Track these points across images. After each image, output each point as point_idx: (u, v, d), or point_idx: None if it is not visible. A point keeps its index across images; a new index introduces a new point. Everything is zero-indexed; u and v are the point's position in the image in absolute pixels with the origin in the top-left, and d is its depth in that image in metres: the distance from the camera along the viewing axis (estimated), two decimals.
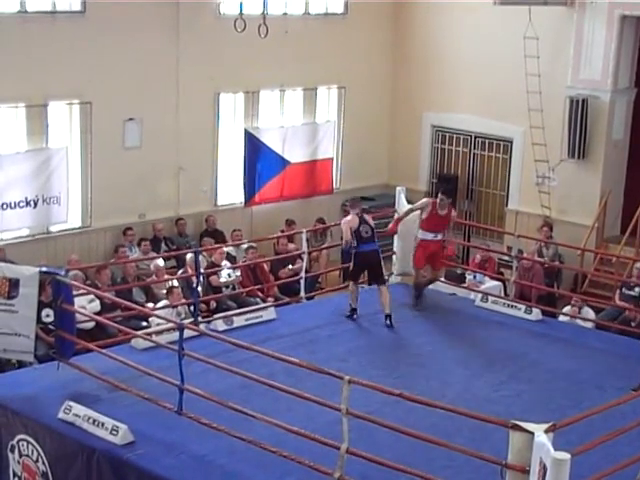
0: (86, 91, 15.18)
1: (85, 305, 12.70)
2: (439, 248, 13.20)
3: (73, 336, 10.48)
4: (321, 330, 12.42)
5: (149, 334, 11.44)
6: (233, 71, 16.90)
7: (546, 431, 6.91)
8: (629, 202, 17.21)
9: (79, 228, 15.65)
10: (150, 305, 13.68)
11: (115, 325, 11.42)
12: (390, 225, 13.58)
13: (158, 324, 11.99)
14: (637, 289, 14.72)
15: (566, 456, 6.54)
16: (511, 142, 18.34)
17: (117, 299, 11.81)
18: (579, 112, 16.67)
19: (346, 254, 13.42)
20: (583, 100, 16.65)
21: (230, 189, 17.59)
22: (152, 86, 15.91)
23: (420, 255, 13.19)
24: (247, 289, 14.68)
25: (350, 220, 12.62)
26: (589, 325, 13.70)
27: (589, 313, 14.01)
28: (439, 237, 13.07)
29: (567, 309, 14.06)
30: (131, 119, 15.79)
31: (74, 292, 10.71)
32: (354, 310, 12.81)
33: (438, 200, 12.99)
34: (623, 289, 14.83)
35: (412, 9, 19.24)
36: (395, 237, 14.48)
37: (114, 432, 8.94)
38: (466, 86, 18.57)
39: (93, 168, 15.53)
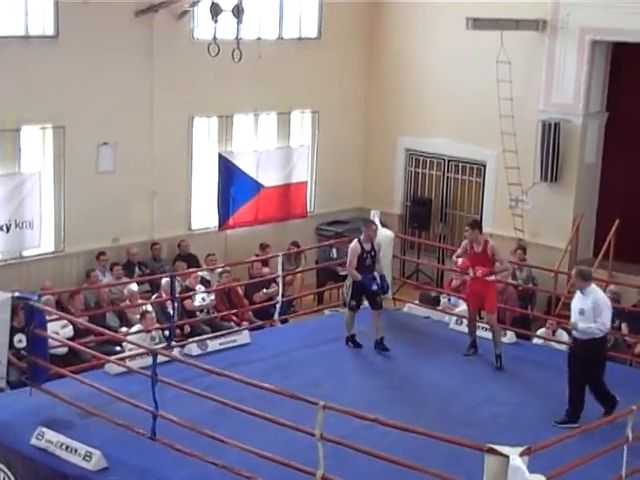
0: (59, 115, 15.13)
1: (58, 330, 12.60)
2: (483, 287, 12.26)
3: (46, 361, 10.43)
4: (295, 354, 12.41)
5: (122, 359, 11.39)
6: (207, 95, 16.90)
7: (521, 454, 6.93)
8: (601, 225, 17.31)
9: (52, 253, 15.55)
10: (124, 330, 13.61)
11: (88, 350, 11.36)
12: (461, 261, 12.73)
13: (131, 349, 11.92)
14: None
15: (541, 479, 6.55)
16: (484, 166, 18.43)
17: (90, 324, 11.74)
18: (551, 136, 16.78)
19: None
20: (555, 124, 16.76)
21: (204, 213, 17.56)
22: (126, 110, 15.89)
23: (467, 296, 12.90)
24: (221, 313, 14.64)
25: (353, 248, 12.44)
26: (563, 347, 13.72)
27: (563, 335, 14.04)
28: (479, 275, 12.21)
29: (541, 331, 14.09)
30: (105, 143, 15.75)
31: (47, 317, 10.65)
32: (353, 336, 12.75)
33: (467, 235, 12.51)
34: None
35: (386, 34, 19.35)
36: None
37: (87, 458, 8.88)
38: (440, 110, 18.66)
39: (66, 192, 15.46)
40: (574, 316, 10.36)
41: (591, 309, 10.19)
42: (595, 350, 10.28)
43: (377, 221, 14.36)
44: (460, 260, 12.51)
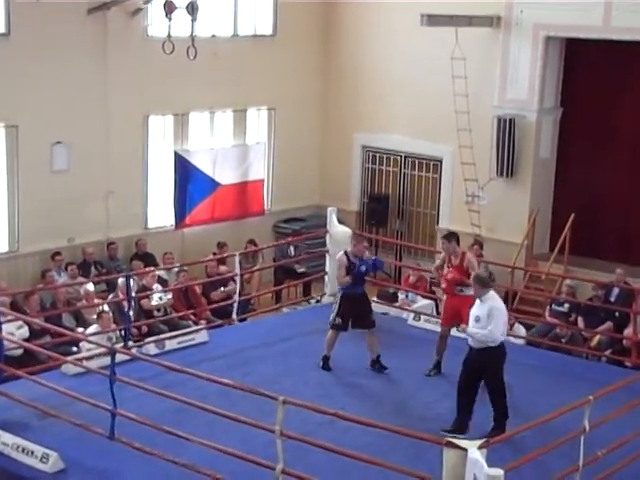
0: (12, 114, 14.96)
1: (13, 331, 12.46)
2: (461, 302, 11.28)
3: (1, 363, 10.30)
4: (254, 352, 12.37)
5: (80, 359, 11.29)
6: (162, 93, 16.80)
7: (479, 447, 6.95)
8: (557, 220, 17.46)
9: (6, 253, 15.39)
10: (80, 330, 13.49)
11: (45, 351, 11.23)
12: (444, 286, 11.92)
13: (89, 349, 11.83)
14: (566, 305, 14.92)
15: (499, 472, 6.59)
16: (441, 161, 18.50)
17: (46, 325, 11.63)
18: (507, 131, 16.89)
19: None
20: (510, 119, 16.87)
21: (161, 212, 17.46)
22: (80, 109, 15.75)
23: (443, 312, 12.12)
24: (179, 313, 14.56)
25: (339, 258, 11.90)
26: (520, 342, 13.82)
27: (520, 330, 14.14)
28: (449, 278, 11.57)
29: None
30: (59, 142, 15.61)
31: (2, 318, 10.53)
32: (327, 358, 11.89)
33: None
34: (553, 305, 15.02)
35: (341, 30, 19.37)
36: (327, 257, 14.51)
37: (44, 460, 8.80)
38: (396, 106, 18.71)
39: (20, 192, 15.30)
40: (470, 323, 9.92)
41: (486, 317, 9.76)
42: (488, 360, 9.83)
43: (334, 218, 14.38)
44: (445, 271, 11.72)
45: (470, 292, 10.65)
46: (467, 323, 10.08)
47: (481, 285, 9.94)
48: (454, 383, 11.32)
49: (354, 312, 11.72)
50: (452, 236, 11.87)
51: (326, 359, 11.86)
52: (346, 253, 11.83)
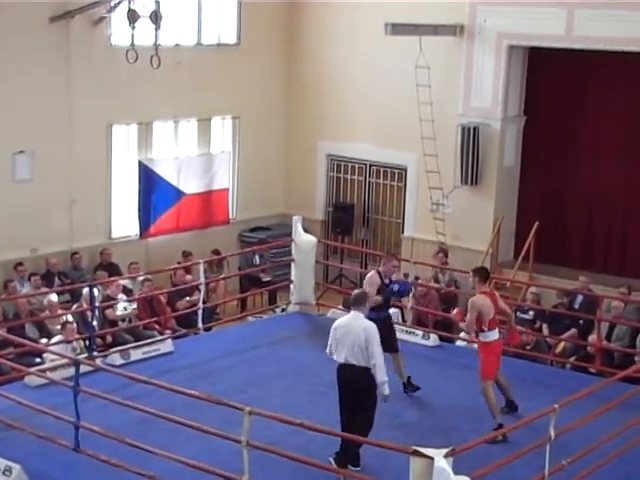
0: None
1: None
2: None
3: None
4: (220, 361, 12.33)
5: (43, 371, 11.18)
6: (126, 102, 16.71)
7: (446, 456, 6.96)
8: (521, 227, 17.53)
9: None
10: (44, 341, 13.37)
11: (7, 362, 11.11)
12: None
13: (53, 360, 11.73)
14: (531, 312, 14.98)
15: None
16: (405, 170, 18.54)
17: (9, 336, 11.51)
18: (471, 140, 16.95)
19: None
20: (474, 128, 16.93)
21: (125, 221, 17.36)
22: (43, 118, 15.63)
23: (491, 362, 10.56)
24: (144, 322, 14.48)
25: (371, 277, 11.12)
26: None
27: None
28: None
29: (464, 334, 14.20)
30: (21, 152, 15.47)
31: None
32: (407, 379, 11.38)
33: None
34: (518, 313, 15.07)
35: (305, 39, 19.37)
36: (292, 265, 14.50)
37: (7, 473, 8.72)
38: (360, 115, 18.73)
39: None
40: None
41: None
42: (360, 379, 9.31)
43: (299, 227, 14.37)
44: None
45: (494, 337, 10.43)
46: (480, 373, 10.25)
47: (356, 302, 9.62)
48: (421, 391, 11.38)
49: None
50: (476, 272, 10.97)
51: (408, 380, 11.39)
52: (379, 272, 11.16)
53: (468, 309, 10.47)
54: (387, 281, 11.07)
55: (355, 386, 9.24)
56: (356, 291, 9.95)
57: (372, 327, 9.35)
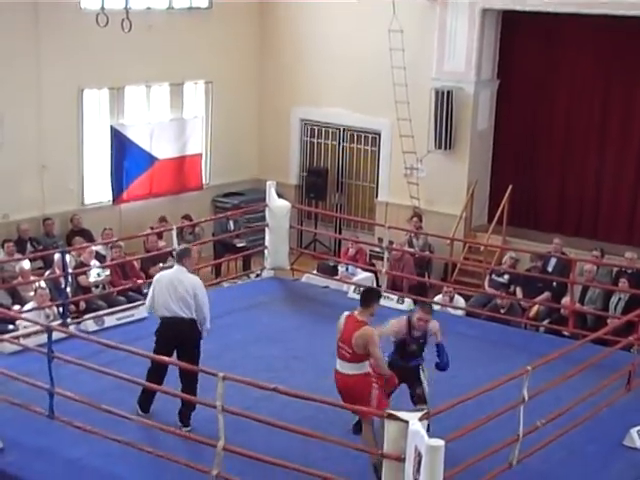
0: None
1: None
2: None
3: None
4: None
5: (16, 337, 11.13)
6: (97, 67, 16.54)
7: (420, 419, 6.98)
8: (495, 191, 17.57)
9: None
10: (17, 308, 13.30)
11: None
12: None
13: (25, 327, 11.66)
14: (506, 276, 15.04)
15: (440, 443, 6.62)
16: (379, 134, 18.50)
17: None
18: (444, 103, 16.92)
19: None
20: (448, 92, 16.90)
21: (97, 187, 17.24)
22: (11, 82, 15.42)
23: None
24: (117, 288, 14.41)
25: (395, 326, 9.35)
26: (460, 313, 13.93)
27: (459, 301, 14.24)
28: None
29: (438, 298, 14.26)
30: None
31: None
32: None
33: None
34: (493, 276, 15.14)
35: (277, 3, 19.19)
36: (266, 230, 14.47)
37: None
38: (334, 79, 18.65)
39: None
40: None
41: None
42: (186, 330, 9.43)
43: (273, 192, 14.31)
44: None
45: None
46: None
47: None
48: None
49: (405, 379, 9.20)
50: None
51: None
52: (409, 321, 9.28)
53: (373, 343, 8.52)
54: (415, 334, 9.24)
55: (181, 338, 9.39)
56: (181, 246, 10.43)
57: (198, 280, 9.66)
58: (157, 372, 9.33)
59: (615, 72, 16.47)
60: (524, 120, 17.43)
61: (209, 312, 9.58)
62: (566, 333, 13.05)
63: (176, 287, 9.44)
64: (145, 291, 14.79)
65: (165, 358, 9.11)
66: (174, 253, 10.43)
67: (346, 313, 8.75)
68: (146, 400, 9.44)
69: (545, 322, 13.90)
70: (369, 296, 8.80)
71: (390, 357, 9.21)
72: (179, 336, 9.38)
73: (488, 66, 17.23)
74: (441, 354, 9.22)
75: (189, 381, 9.17)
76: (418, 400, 9.13)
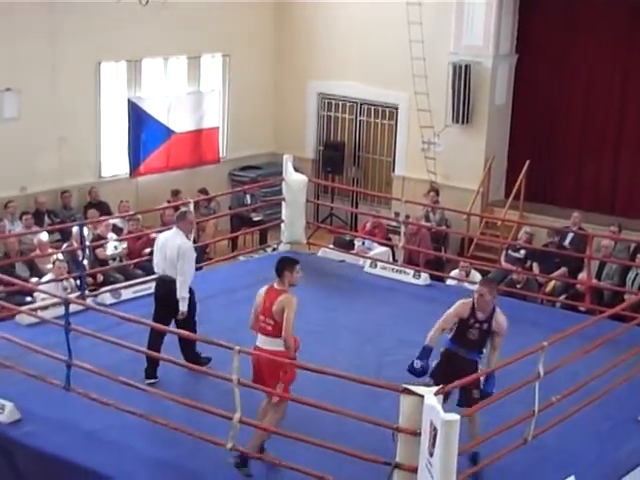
0: None
1: None
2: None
3: None
4: (210, 300, 12.26)
5: (34, 310, 11.18)
6: (114, 40, 16.52)
7: (436, 394, 6.99)
8: (512, 166, 17.51)
9: None
10: (34, 280, 13.36)
11: None
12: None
13: (43, 299, 11.72)
14: (523, 251, 15.01)
15: (455, 417, 6.63)
16: (396, 108, 18.44)
17: None
18: (462, 78, 16.84)
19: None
20: (466, 66, 16.82)
21: (115, 160, 17.27)
22: (29, 55, 15.44)
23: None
24: (134, 261, 14.45)
25: (459, 307, 8.68)
26: (476, 288, 13.88)
27: (476, 276, 14.21)
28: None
29: (455, 273, 14.25)
30: (8, 89, 15.33)
31: None
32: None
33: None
34: (509, 251, 15.11)
35: None
36: (283, 204, 14.46)
37: (0, 410, 8.74)
38: (351, 53, 18.57)
39: None
40: None
41: None
42: (173, 291, 9.78)
43: (290, 166, 14.29)
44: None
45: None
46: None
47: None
48: (410, 330, 11.39)
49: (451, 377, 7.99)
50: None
51: None
52: (473, 304, 8.59)
53: (290, 307, 8.28)
54: (480, 316, 8.52)
55: (167, 297, 9.77)
56: (180, 210, 10.67)
57: (187, 245, 9.96)
58: (158, 333, 9.58)
59: (635, 48, 16.35)
60: (542, 95, 17.33)
61: (189, 280, 9.87)
62: (582, 309, 13.02)
63: (168, 248, 9.92)
64: None
65: (160, 326, 9.37)
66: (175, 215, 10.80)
67: (265, 287, 8.49)
68: (151, 366, 9.61)
69: (561, 297, 13.87)
70: (280, 265, 8.41)
71: (449, 343, 8.60)
72: (166, 295, 9.82)
73: (506, 41, 17.13)
74: (489, 378, 8.34)
75: (187, 344, 9.63)
76: (471, 404, 8.11)
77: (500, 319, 8.59)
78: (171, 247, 9.89)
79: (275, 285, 8.40)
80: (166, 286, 9.87)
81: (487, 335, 8.53)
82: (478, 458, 8.15)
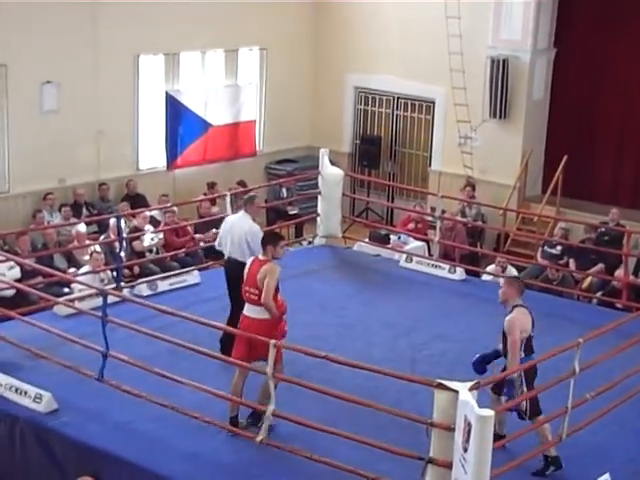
0: (1, 53, 14.78)
1: (5, 272, 12.45)
2: None
3: None
4: None
5: (72, 301, 11.28)
6: (153, 33, 16.60)
7: (470, 389, 6.98)
8: (549, 162, 17.41)
9: None
10: (72, 271, 13.47)
11: (36, 292, 11.21)
12: None
13: (81, 290, 11.82)
14: (559, 247, 14.93)
15: (490, 413, 6.62)
16: (433, 103, 18.39)
17: (38, 266, 11.59)
18: (500, 72, 16.77)
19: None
20: (504, 60, 16.74)
21: (152, 153, 17.36)
22: (69, 48, 15.54)
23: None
24: (170, 253, 14.52)
25: (519, 318, 8.33)
26: None
27: (512, 272, 14.16)
28: None
29: (490, 268, 14.20)
30: (48, 82, 15.45)
31: None
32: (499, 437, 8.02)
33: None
34: (545, 247, 15.03)
35: None
36: (319, 198, 14.48)
37: (37, 400, 8.85)
38: (388, 47, 18.53)
39: (10, 133, 15.15)
40: None
41: None
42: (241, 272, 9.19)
43: (326, 160, 14.31)
44: None
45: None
46: None
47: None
48: (445, 325, 11.44)
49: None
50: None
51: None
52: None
53: (272, 275, 8.76)
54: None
55: (235, 279, 9.58)
56: (249, 194, 10.91)
57: (255, 227, 10.20)
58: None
59: None
60: (580, 90, 17.21)
61: None
62: (619, 306, 12.95)
63: (235, 231, 10.25)
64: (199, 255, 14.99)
65: (217, 324, 9.24)
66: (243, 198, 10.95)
67: (251, 258, 9.03)
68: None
69: (598, 294, 13.78)
70: (264, 240, 9.05)
71: (529, 356, 8.29)
72: (235, 277, 9.76)
73: (544, 35, 17.03)
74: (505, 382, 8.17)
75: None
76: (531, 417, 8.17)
77: (507, 318, 8.35)
78: (239, 230, 10.19)
79: (260, 257, 8.90)
80: (232, 266, 10.13)
81: (504, 336, 8.37)
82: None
